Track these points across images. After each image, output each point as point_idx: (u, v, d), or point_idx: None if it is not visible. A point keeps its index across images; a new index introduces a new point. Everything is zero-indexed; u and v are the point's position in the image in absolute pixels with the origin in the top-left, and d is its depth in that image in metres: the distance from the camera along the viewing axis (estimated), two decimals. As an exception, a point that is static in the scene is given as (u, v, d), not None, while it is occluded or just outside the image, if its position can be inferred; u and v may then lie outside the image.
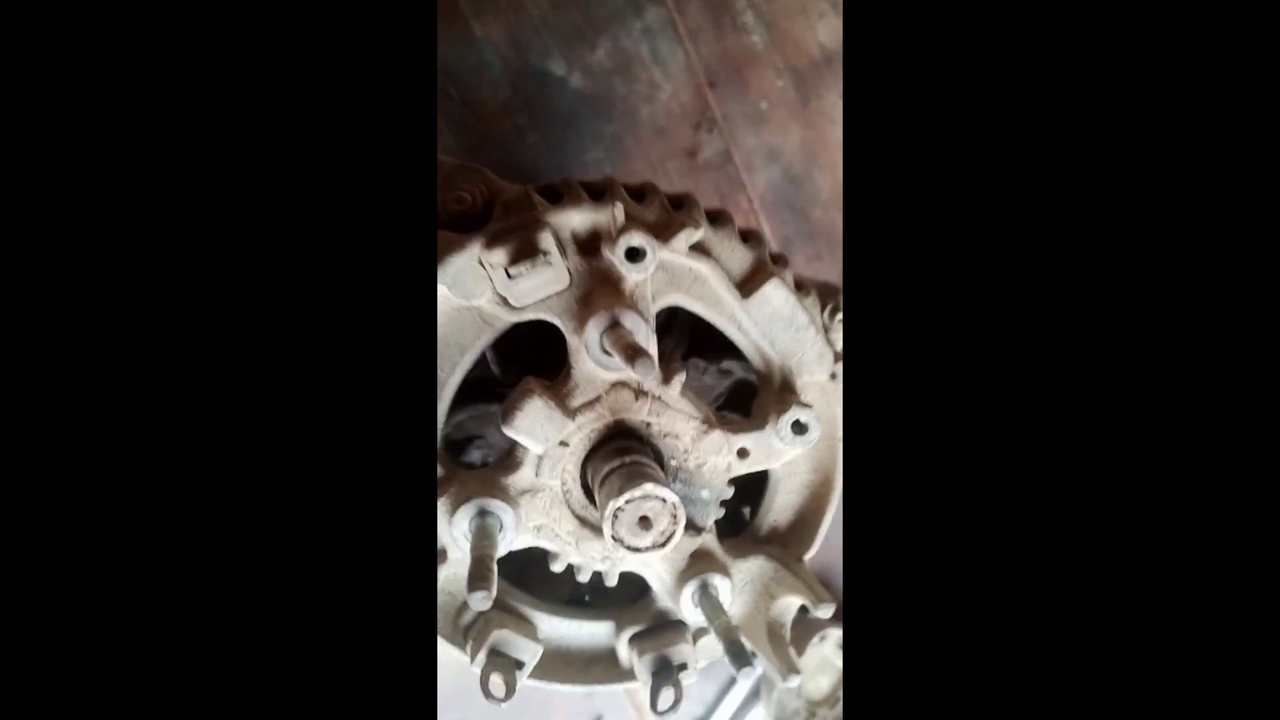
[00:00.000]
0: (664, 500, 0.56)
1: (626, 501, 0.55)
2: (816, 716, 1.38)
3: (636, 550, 0.57)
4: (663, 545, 0.57)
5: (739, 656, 0.58)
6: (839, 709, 1.36)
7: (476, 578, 0.53)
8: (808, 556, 0.69)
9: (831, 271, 1.33)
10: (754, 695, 1.40)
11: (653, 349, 0.59)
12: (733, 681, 1.40)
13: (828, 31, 1.30)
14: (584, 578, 0.65)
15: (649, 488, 0.55)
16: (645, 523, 0.56)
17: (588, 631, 0.69)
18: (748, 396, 0.69)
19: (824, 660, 1.37)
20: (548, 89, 1.21)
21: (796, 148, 1.30)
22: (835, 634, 1.34)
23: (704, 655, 0.69)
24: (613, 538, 0.56)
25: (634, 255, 0.57)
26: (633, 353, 0.53)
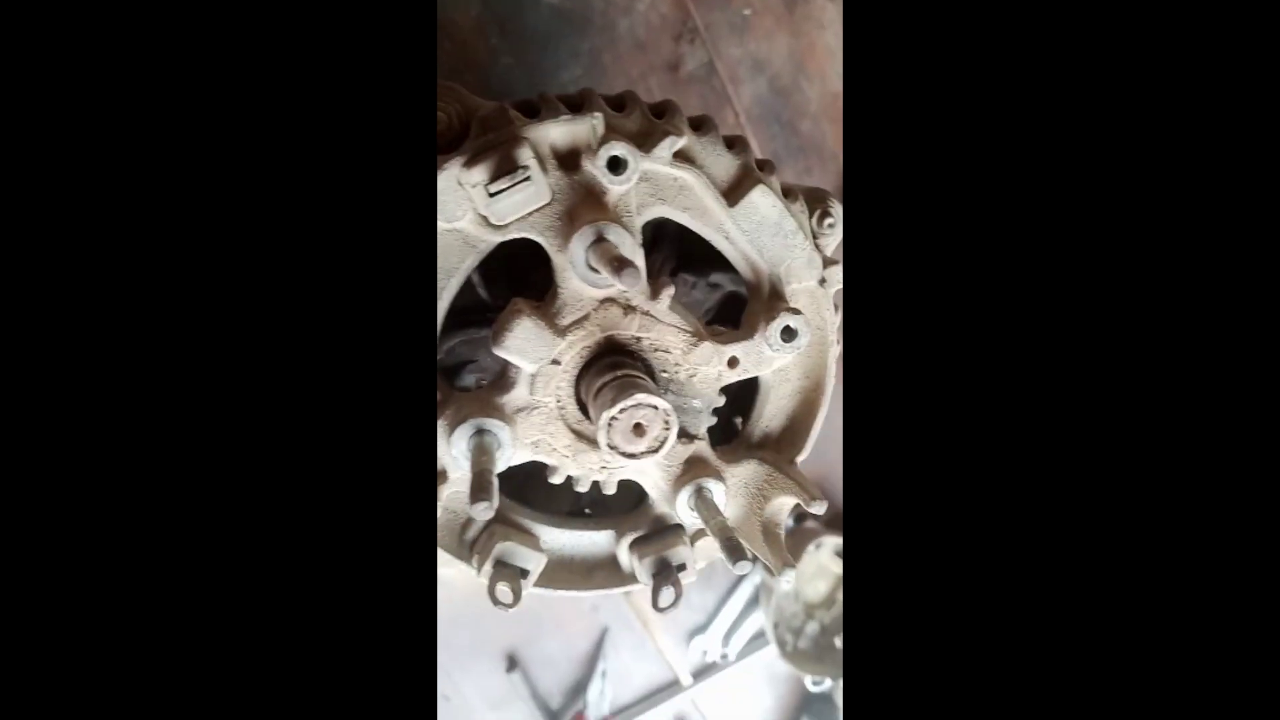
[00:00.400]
0: (656, 408, 0.57)
1: (620, 411, 0.56)
2: (814, 618, 1.45)
3: (632, 456, 0.58)
4: (656, 450, 0.59)
5: (735, 552, 0.60)
6: (835, 611, 1.43)
7: (478, 490, 0.55)
8: (800, 459, 0.71)
9: (823, 184, 1.31)
10: (753, 601, 1.46)
11: (640, 262, 0.59)
12: (732, 589, 1.46)
13: (812, -70, 1.24)
14: (583, 488, 0.67)
15: (641, 397, 0.56)
16: (639, 430, 0.58)
17: (589, 540, 0.71)
18: (737, 309, 0.70)
19: (820, 566, 1.42)
20: (521, 5, 1.17)
21: (784, 57, 1.26)
22: (831, 541, 1.39)
23: (701, 556, 0.72)
24: (609, 445, 0.58)
25: (616, 166, 0.56)
26: (619, 264, 0.53)
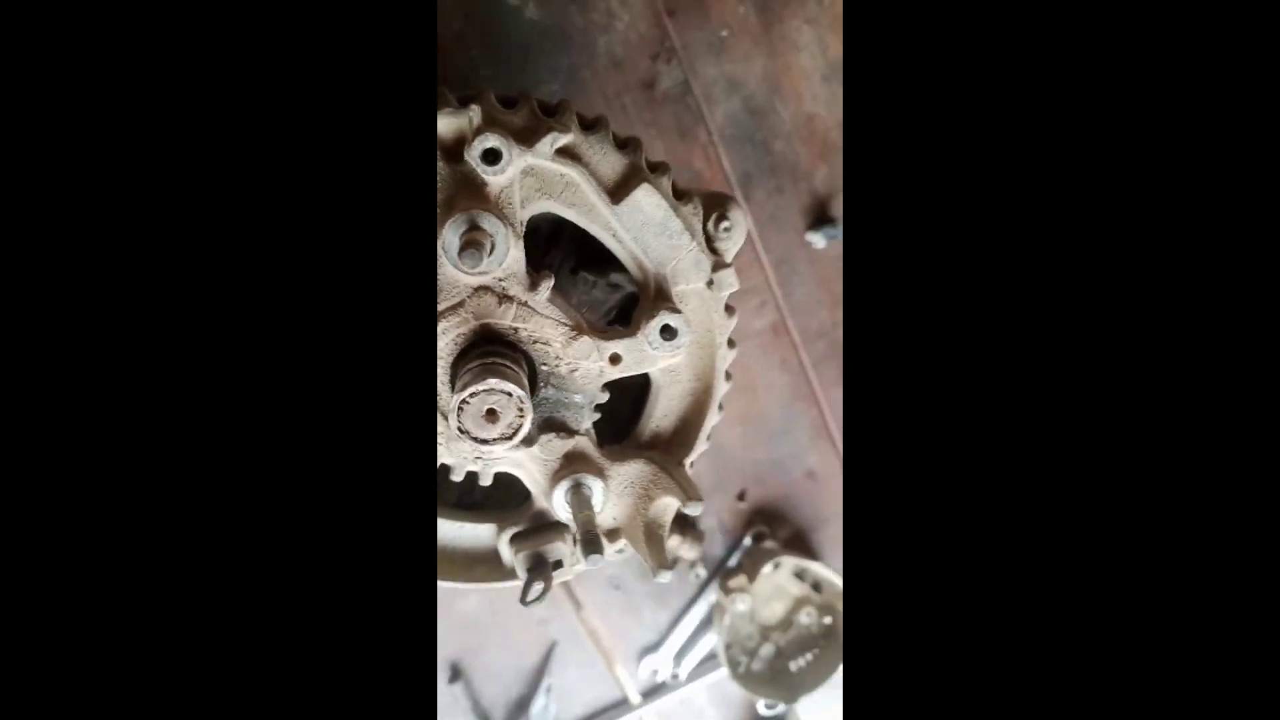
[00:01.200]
0: (510, 394, 0.57)
1: (471, 395, 0.57)
2: (769, 640, 1.41)
3: (484, 442, 0.59)
4: (510, 438, 0.59)
5: (591, 545, 0.60)
6: (791, 633, 1.39)
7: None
8: (689, 460, 0.71)
9: (793, 205, 1.31)
10: (707, 621, 1.43)
11: (517, 253, 0.60)
12: (686, 608, 1.43)
13: (792, -46, 1.26)
14: (457, 478, 0.68)
15: (493, 382, 0.57)
16: (492, 415, 0.58)
17: (470, 533, 0.71)
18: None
19: (778, 587, 1.39)
20: (502, 18, 1.20)
21: (759, 77, 1.27)
22: (790, 561, 1.36)
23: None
24: (459, 429, 0.58)
25: (490, 157, 0.58)
26: (467, 244, 0.54)
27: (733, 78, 1.27)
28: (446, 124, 0.59)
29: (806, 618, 1.41)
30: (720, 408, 0.71)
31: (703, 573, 1.41)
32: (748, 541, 1.42)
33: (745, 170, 1.30)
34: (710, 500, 1.32)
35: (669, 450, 0.71)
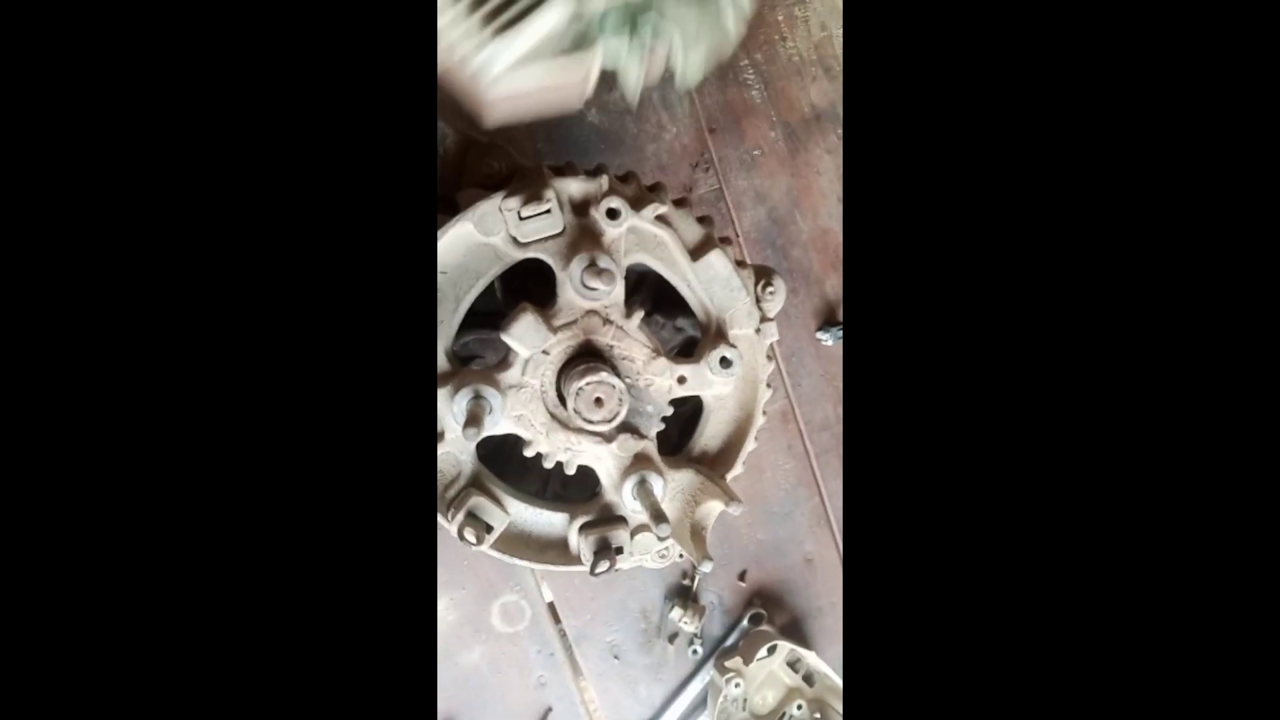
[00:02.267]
0: (614, 386, 0.85)
1: (587, 383, 0.85)
2: (759, 728, 1.58)
3: (590, 423, 0.86)
4: (610, 421, 0.86)
5: (659, 517, 0.86)
6: (782, 723, 1.56)
7: (470, 424, 0.82)
8: (730, 475, 0.98)
9: (805, 305, 1.65)
10: (700, 703, 1.61)
11: (620, 289, 0.90)
12: (681, 687, 1.62)
13: (819, 93, 1.67)
14: (549, 464, 0.94)
15: (604, 375, 0.85)
16: (599, 402, 0.86)
17: (546, 519, 0.96)
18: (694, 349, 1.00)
19: (771, 674, 1.59)
20: (567, 121, 1.58)
21: (783, 193, 1.65)
22: (784, 648, 1.57)
23: (639, 549, 0.96)
24: (574, 409, 0.85)
25: (612, 215, 0.89)
26: (597, 272, 0.84)
27: (760, 190, 1.65)
28: (578, 186, 0.91)
29: (798, 710, 1.58)
30: (755, 438, 0.99)
31: (700, 650, 1.60)
32: (745, 623, 1.62)
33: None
34: (712, 576, 1.54)
35: (713, 466, 0.98)
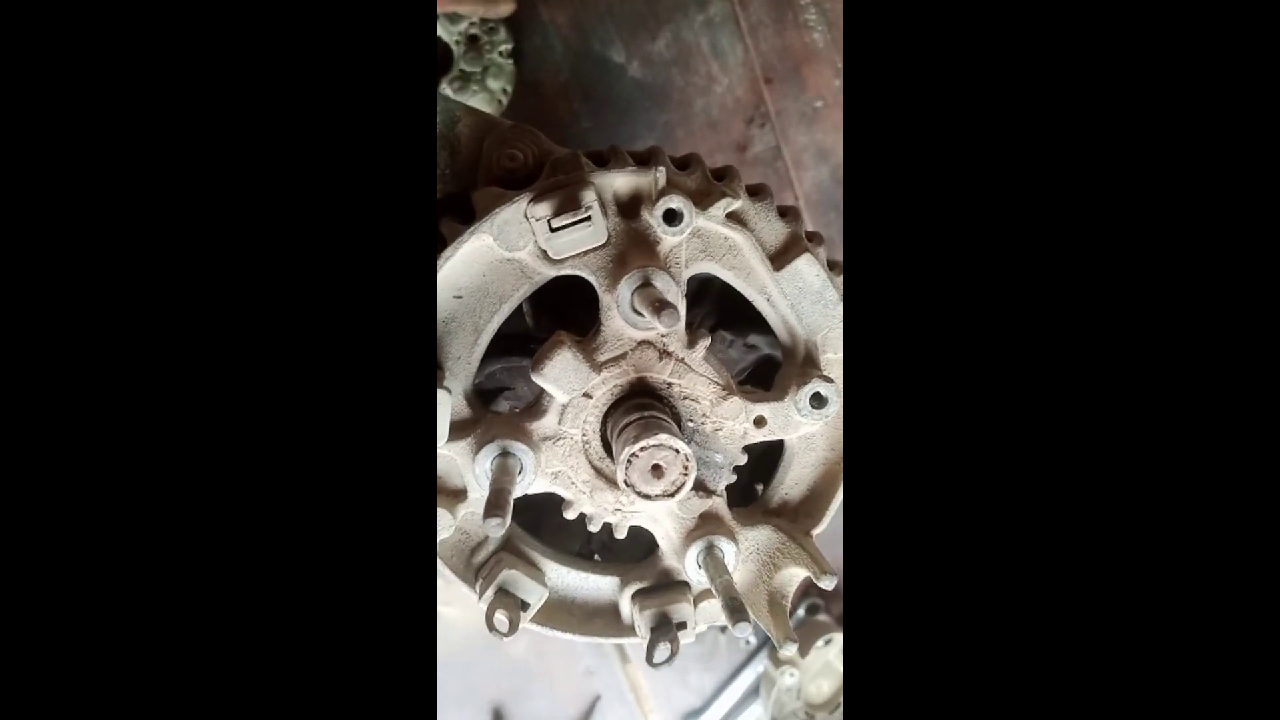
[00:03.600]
0: (677, 451, 0.59)
1: (641, 449, 0.58)
2: (814, 719, 1.39)
3: (647, 498, 0.60)
4: (672, 495, 0.60)
5: (736, 612, 0.60)
6: (838, 715, 1.37)
7: (493, 506, 0.57)
8: (816, 532, 0.71)
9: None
10: (753, 692, 1.41)
11: (682, 312, 0.62)
12: (734, 675, 1.41)
13: (889, 37, 1.31)
14: (594, 527, 0.68)
15: (664, 438, 0.58)
16: (658, 471, 0.59)
17: (593, 584, 0.72)
18: (771, 373, 0.72)
19: (827, 664, 1.37)
20: (606, 75, 1.26)
21: (847, 150, 1.32)
22: (841, 639, 1.35)
23: (704, 618, 0.72)
24: (626, 482, 0.59)
25: (671, 218, 0.60)
26: (659, 305, 0.56)
27: (823, 146, 1.32)
28: (626, 181, 0.62)
29: (853, 696, 1.38)
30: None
31: (753, 640, 1.39)
32: (801, 613, 1.41)
33: (828, 236, 1.34)
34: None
35: (795, 520, 0.72)
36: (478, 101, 1.17)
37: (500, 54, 1.17)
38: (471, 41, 1.15)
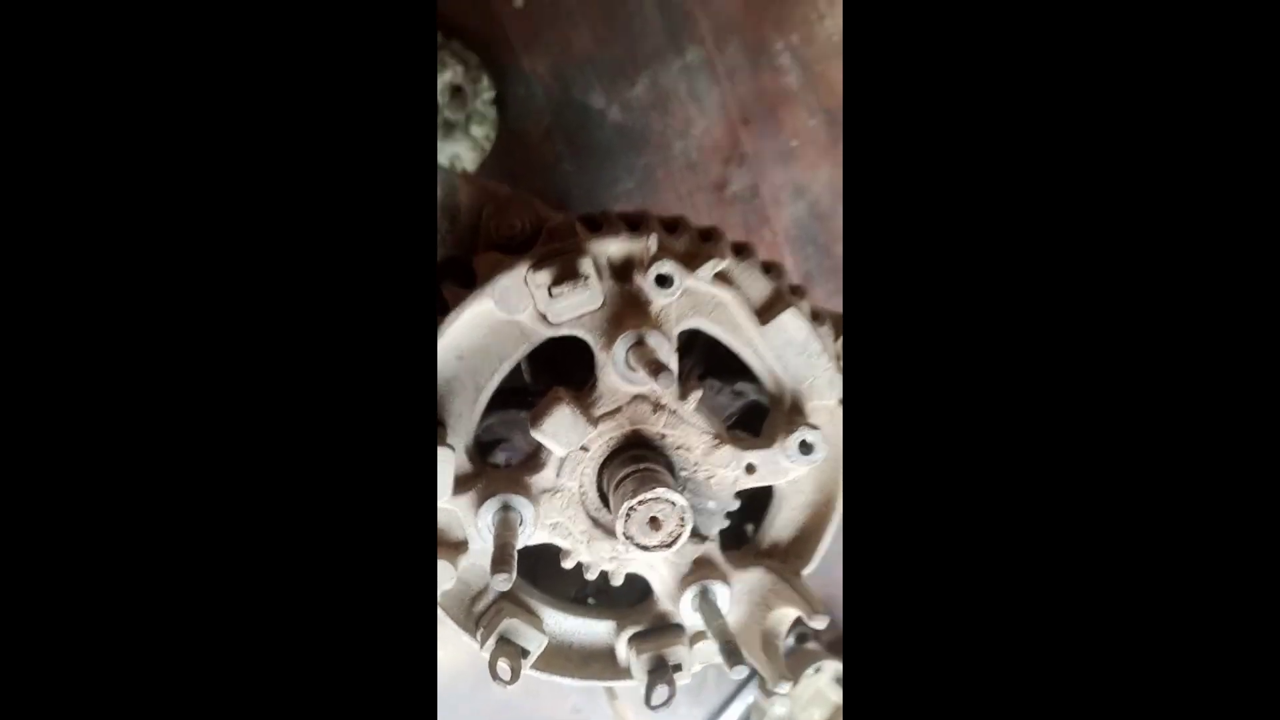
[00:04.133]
0: (674, 504, 0.62)
1: (639, 502, 0.61)
2: (806, 748, 1.41)
3: (645, 549, 0.63)
4: (669, 545, 0.63)
5: (733, 656, 0.63)
6: (829, 742, 1.39)
7: (500, 562, 0.59)
8: (806, 572, 0.75)
9: (849, 309, 1.39)
10: (745, 722, 1.43)
11: (674, 366, 0.65)
12: (723, 707, 1.43)
13: (859, 80, 1.37)
14: (591, 575, 0.71)
15: (661, 491, 0.61)
16: (655, 523, 0.62)
17: (590, 629, 0.74)
18: (758, 417, 0.75)
19: (818, 692, 1.40)
20: (587, 121, 1.30)
21: (824, 185, 1.37)
22: (831, 666, 1.38)
23: (699, 659, 0.75)
24: (624, 535, 0.62)
25: (663, 281, 0.64)
26: (656, 367, 0.59)
27: (799, 183, 1.37)
28: (619, 247, 0.66)
29: (842, 722, 1.42)
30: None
31: (743, 670, 1.42)
32: (790, 641, 1.43)
33: (807, 270, 1.39)
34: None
35: (786, 560, 0.75)
36: (462, 148, 1.20)
37: (483, 102, 1.21)
38: (455, 92, 1.19)
